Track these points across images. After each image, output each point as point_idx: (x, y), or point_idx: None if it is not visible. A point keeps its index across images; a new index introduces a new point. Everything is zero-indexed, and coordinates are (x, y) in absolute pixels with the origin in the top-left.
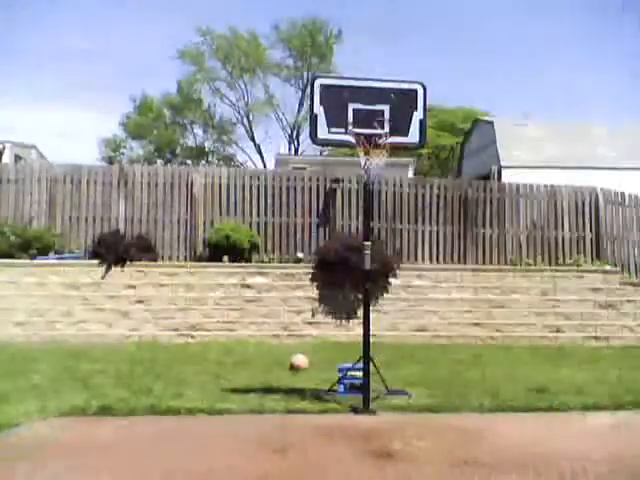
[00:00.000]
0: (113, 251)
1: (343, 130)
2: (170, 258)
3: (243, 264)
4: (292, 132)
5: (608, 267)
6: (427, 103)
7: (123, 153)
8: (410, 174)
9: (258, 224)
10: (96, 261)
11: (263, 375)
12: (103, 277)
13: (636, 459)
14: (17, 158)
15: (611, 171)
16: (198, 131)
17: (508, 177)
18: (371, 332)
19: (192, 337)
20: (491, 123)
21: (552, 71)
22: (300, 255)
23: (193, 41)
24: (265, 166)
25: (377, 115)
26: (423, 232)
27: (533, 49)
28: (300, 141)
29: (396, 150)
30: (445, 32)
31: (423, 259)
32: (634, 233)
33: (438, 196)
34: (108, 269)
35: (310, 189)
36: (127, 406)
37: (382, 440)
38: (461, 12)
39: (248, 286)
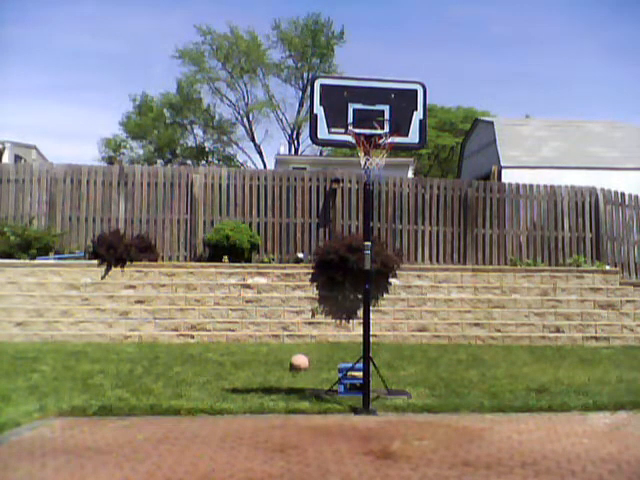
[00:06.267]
0: (113, 251)
1: (343, 130)
2: (170, 258)
3: (243, 264)
4: (292, 132)
5: (608, 267)
6: (427, 103)
7: (123, 153)
8: (410, 174)
9: (258, 224)
10: (96, 261)
11: (263, 375)
12: (103, 277)
13: (636, 459)
14: (17, 158)
15: (611, 171)
16: (198, 131)
17: (508, 177)
18: (371, 332)
19: (192, 337)
20: (491, 123)
21: (552, 71)
22: (300, 255)
23: (193, 41)
24: (265, 166)
25: (377, 115)
26: (423, 232)
27: (533, 48)
28: (300, 141)
29: (396, 150)
30: (446, 31)
31: (423, 259)
32: (634, 233)
33: (438, 196)
34: (108, 269)
35: (310, 189)
36: (127, 406)
37: (382, 440)
38: (461, 11)
39: (248, 286)
